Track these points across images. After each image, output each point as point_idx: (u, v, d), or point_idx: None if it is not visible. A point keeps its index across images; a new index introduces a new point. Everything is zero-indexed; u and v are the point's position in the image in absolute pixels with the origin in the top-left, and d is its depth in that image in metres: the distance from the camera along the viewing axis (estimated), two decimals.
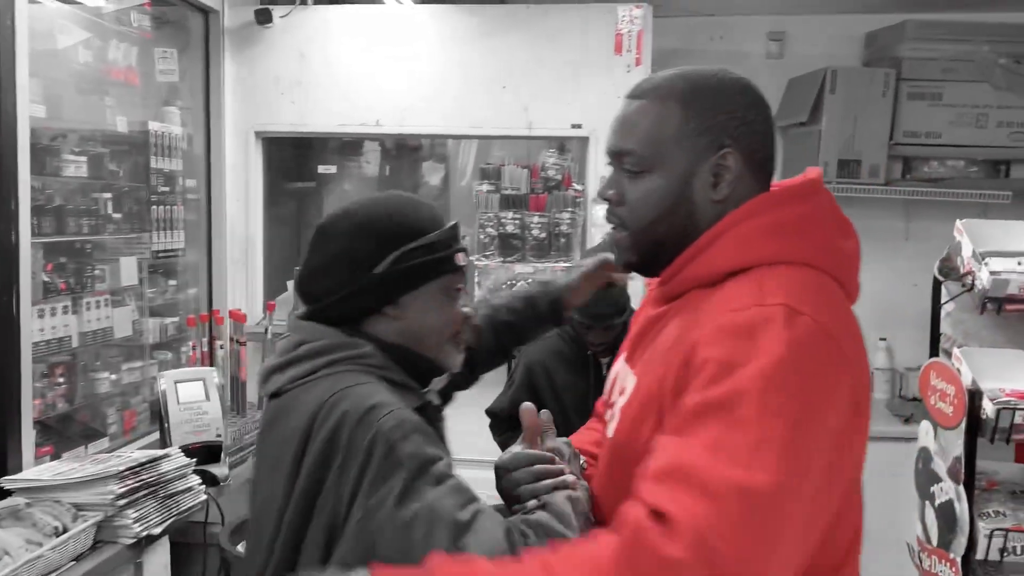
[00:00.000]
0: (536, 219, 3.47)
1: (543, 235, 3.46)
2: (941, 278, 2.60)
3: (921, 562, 2.51)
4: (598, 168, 3.37)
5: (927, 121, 3.61)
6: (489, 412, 2.79)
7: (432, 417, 1.34)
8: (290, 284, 3.66)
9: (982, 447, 2.39)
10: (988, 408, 2.28)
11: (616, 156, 1.17)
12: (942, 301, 2.61)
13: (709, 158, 1.12)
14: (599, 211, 3.33)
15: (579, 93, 3.37)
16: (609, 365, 2.49)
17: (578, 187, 3.50)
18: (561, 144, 3.57)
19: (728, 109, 1.13)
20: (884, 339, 3.96)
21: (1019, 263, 2.31)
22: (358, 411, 1.16)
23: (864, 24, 3.86)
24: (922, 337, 2.77)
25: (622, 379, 1.22)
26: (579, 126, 3.38)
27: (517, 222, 3.46)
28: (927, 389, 2.45)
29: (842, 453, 1.03)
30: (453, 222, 1.36)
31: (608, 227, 1.23)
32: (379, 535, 1.11)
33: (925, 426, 2.51)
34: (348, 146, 3.94)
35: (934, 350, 2.62)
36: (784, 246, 1.09)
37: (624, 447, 1.13)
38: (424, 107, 3.45)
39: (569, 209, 3.46)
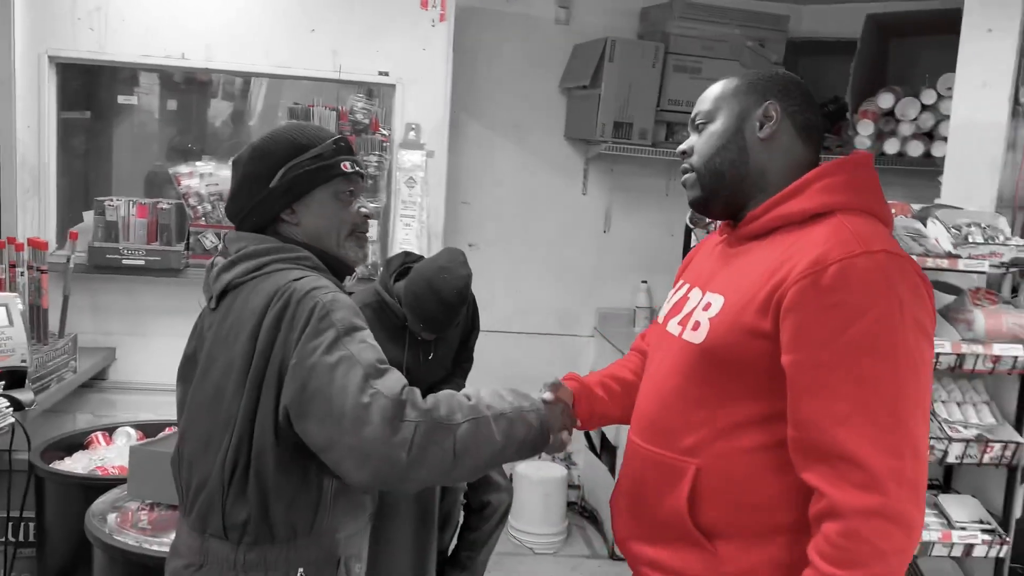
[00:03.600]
0: None
1: None
2: (691, 226, 3.12)
3: None
4: (404, 114, 3.60)
5: (688, 91, 4.09)
6: None
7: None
8: (86, 215, 3.60)
9: None
10: None
11: (693, 121, 1.55)
12: (691, 246, 3.13)
13: (758, 108, 1.48)
14: (405, 155, 3.56)
15: (387, 42, 3.55)
16: (429, 342, 2.54)
17: (385, 132, 3.68)
18: (369, 89, 3.72)
19: (774, 80, 1.50)
20: (645, 281, 4.51)
21: None
22: (304, 289, 1.48)
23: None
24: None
25: (697, 300, 1.49)
26: (386, 73, 3.57)
27: None
28: None
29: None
30: (338, 136, 1.63)
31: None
32: (311, 374, 1.40)
33: None
34: (135, 78, 3.85)
35: None
36: (856, 198, 1.43)
37: (718, 350, 1.40)
38: (231, 44, 3.50)
39: (376, 152, 3.63)
